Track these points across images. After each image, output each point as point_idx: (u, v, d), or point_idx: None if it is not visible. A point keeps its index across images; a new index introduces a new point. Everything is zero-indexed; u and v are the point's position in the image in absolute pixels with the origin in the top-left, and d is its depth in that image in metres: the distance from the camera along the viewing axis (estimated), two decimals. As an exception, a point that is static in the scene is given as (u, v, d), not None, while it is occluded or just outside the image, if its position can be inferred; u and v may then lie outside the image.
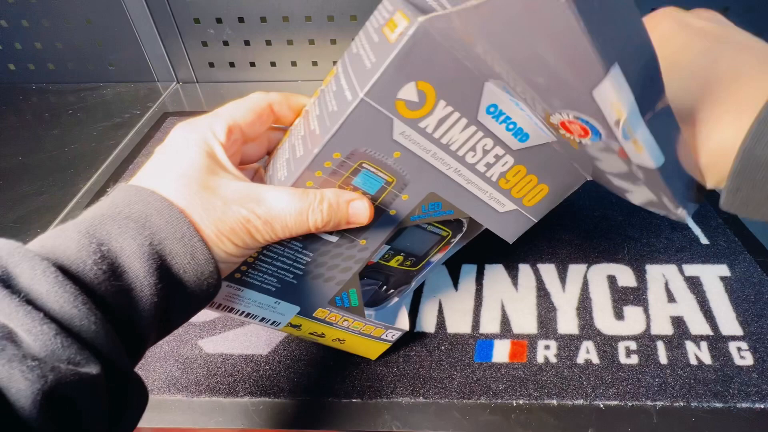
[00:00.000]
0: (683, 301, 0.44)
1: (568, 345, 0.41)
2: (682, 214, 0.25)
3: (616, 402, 0.37)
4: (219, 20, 0.79)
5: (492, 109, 0.26)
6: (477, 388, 0.38)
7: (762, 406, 0.36)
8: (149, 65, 0.85)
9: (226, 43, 0.82)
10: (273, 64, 0.84)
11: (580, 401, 0.37)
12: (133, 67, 0.85)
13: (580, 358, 0.40)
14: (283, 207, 0.24)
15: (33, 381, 0.16)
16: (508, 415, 0.36)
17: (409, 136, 0.26)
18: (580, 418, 0.36)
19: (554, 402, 0.37)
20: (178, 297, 0.22)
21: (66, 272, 0.18)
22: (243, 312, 0.32)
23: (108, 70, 0.86)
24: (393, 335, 0.37)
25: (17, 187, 0.62)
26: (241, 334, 0.43)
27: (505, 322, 0.43)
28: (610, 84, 0.18)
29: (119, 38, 0.81)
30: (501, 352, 0.40)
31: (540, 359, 0.40)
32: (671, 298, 0.44)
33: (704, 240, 0.50)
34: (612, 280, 0.46)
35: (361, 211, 0.26)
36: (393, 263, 0.35)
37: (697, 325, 0.42)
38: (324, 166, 0.27)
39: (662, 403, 0.37)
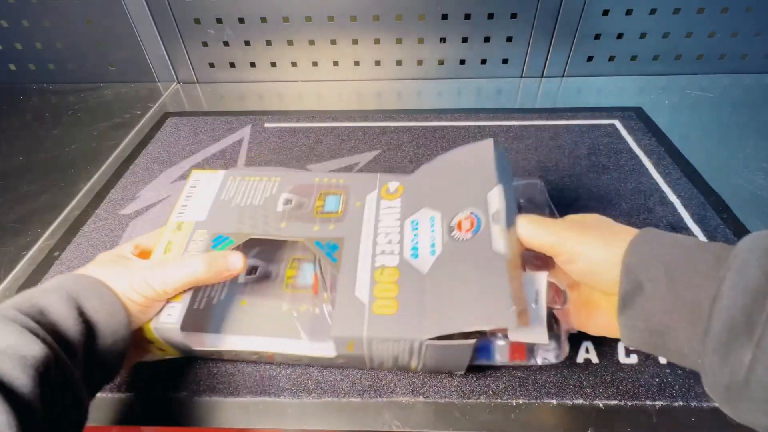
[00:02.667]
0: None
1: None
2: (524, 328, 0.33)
3: (615, 401, 0.37)
4: (219, 20, 0.79)
5: (413, 224, 0.39)
6: (477, 388, 0.38)
7: (761, 406, 0.36)
8: (149, 65, 0.85)
9: (226, 44, 0.82)
10: (273, 64, 0.84)
11: (580, 401, 0.37)
12: (133, 68, 0.85)
13: (580, 358, 0.40)
14: (164, 268, 0.35)
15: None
16: (508, 415, 0.36)
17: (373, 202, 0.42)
18: (579, 417, 0.36)
19: (554, 401, 0.37)
20: (97, 331, 0.31)
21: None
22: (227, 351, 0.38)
23: (108, 70, 0.86)
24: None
25: (18, 187, 0.62)
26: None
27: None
28: (497, 191, 0.36)
29: (119, 38, 0.81)
30: (501, 352, 0.40)
31: (539, 359, 0.40)
32: (671, 297, 0.44)
33: (704, 240, 0.50)
34: (612, 280, 0.46)
35: (236, 260, 0.37)
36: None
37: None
38: None
39: (662, 402, 0.37)
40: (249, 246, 0.41)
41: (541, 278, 0.34)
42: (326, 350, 0.36)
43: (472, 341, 0.33)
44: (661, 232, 0.31)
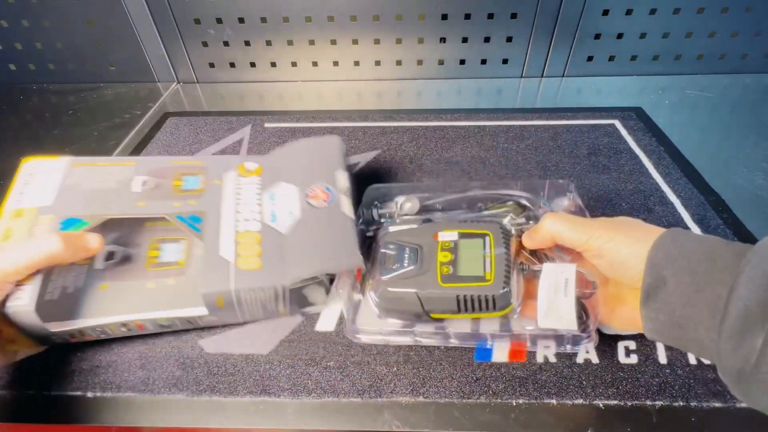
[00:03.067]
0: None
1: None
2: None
3: (615, 401, 0.37)
4: (219, 20, 0.79)
5: (271, 195, 0.46)
6: (477, 388, 0.38)
7: (761, 406, 0.36)
8: (150, 65, 0.85)
9: (226, 44, 0.82)
10: (273, 64, 0.84)
11: (580, 401, 0.37)
12: (133, 68, 0.85)
13: (580, 358, 0.40)
14: (14, 247, 0.35)
15: None
16: (508, 415, 0.36)
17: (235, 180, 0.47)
18: (579, 417, 0.36)
19: (554, 401, 0.37)
20: None
21: None
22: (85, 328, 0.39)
23: (108, 70, 0.86)
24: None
25: (18, 187, 0.62)
26: (242, 334, 0.43)
27: (504, 321, 0.43)
28: (342, 173, 0.48)
29: (119, 38, 0.81)
30: (500, 352, 0.40)
31: (539, 359, 0.40)
32: (671, 297, 0.44)
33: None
34: (612, 280, 0.46)
35: (94, 238, 0.38)
36: (440, 256, 0.41)
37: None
38: None
39: (662, 402, 0.37)
40: (104, 232, 0.41)
41: (570, 269, 0.37)
42: (197, 311, 0.39)
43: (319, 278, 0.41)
44: (686, 231, 0.33)
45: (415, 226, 0.44)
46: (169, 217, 0.41)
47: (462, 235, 0.41)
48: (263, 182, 0.47)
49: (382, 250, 0.42)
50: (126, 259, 0.44)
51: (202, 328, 0.43)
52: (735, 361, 0.27)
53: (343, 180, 0.47)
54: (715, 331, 0.28)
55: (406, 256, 0.41)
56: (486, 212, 0.46)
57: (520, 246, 0.42)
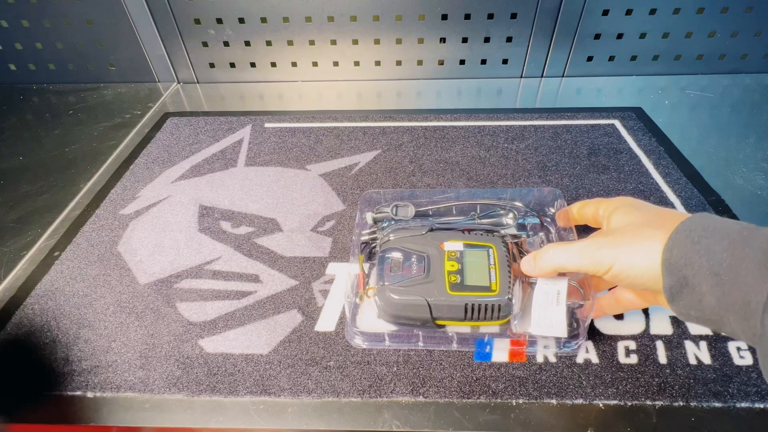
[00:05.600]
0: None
1: (568, 344, 0.41)
2: None
3: (615, 401, 0.37)
4: (219, 21, 0.79)
5: None
6: (477, 388, 0.38)
7: (761, 406, 0.36)
8: (150, 65, 0.85)
9: (226, 44, 0.82)
10: (273, 64, 0.84)
11: (580, 401, 0.37)
12: (133, 68, 0.85)
13: (580, 358, 0.40)
14: None
15: None
16: (508, 415, 0.36)
17: None
18: (579, 417, 0.36)
19: (554, 401, 0.37)
20: None
21: None
22: None
23: (108, 70, 0.86)
24: None
25: (18, 186, 0.62)
26: (242, 334, 0.43)
27: (504, 328, 0.43)
28: None
29: (120, 38, 0.81)
30: (500, 352, 0.40)
31: (539, 359, 0.40)
32: (671, 297, 0.44)
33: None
34: (612, 279, 0.46)
35: None
36: (447, 265, 0.41)
37: (697, 324, 0.42)
38: None
39: (662, 402, 0.37)
40: None
41: (563, 283, 0.38)
42: None
43: None
44: (702, 220, 0.30)
45: (417, 233, 0.44)
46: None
47: (467, 246, 0.42)
48: None
49: (387, 256, 0.42)
50: None
51: (202, 328, 0.43)
52: None
53: None
54: (750, 334, 0.26)
55: (413, 263, 0.41)
56: (481, 220, 0.48)
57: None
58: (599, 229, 0.39)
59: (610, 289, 0.41)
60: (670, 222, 0.31)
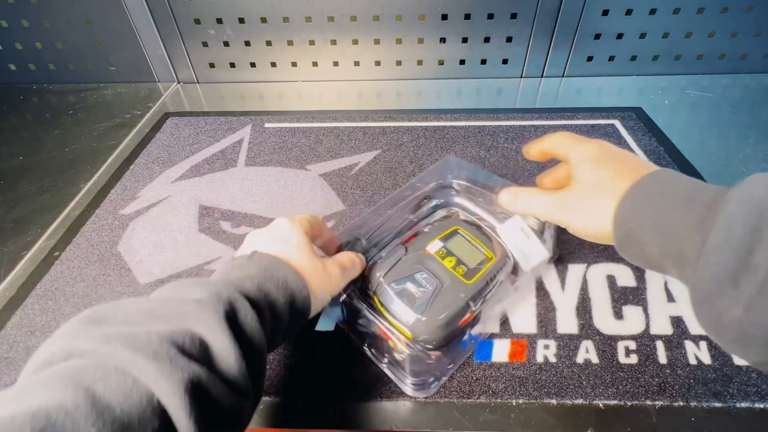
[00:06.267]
0: (682, 301, 0.44)
1: (568, 345, 0.41)
2: None
3: (615, 401, 0.37)
4: (219, 21, 0.79)
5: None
6: (477, 388, 0.38)
7: (761, 406, 0.36)
8: (150, 65, 0.85)
9: (226, 44, 0.82)
10: (273, 64, 0.84)
11: (580, 401, 0.37)
12: (133, 68, 0.85)
13: (580, 358, 0.40)
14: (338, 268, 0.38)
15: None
16: (508, 415, 0.36)
17: None
18: (579, 417, 0.36)
19: (554, 401, 0.37)
20: (294, 317, 0.34)
21: (252, 306, 0.30)
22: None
23: (108, 70, 0.86)
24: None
25: (18, 187, 0.62)
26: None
27: (504, 321, 0.43)
28: None
29: (120, 38, 0.81)
30: (501, 352, 0.40)
31: (539, 359, 0.40)
32: (670, 297, 0.45)
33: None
34: (611, 279, 0.46)
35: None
36: (446, 263, 0.41)
37: (697, 324, 0.42)
38: None
39: (662, 402, 0.37)
40: None
41: (517, 221, 0.43)
42: None
43: None
44: (662, 175, 0.32)
45: (397, 257, 0.42)
46: None
47: (443, 239, 0.43)
48: None
49: (397, 291, 0.39)
50: None
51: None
52: (708, 321, 0.27)
53: None
54: (686, 281, 0.28)
55: (422, 282, 0.39)
56: (426, 220, 0.49)
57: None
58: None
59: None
60: (634, 174, 0.33)
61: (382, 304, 0.39)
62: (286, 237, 0.37)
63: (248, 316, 0.29)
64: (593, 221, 0.34)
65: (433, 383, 0.37)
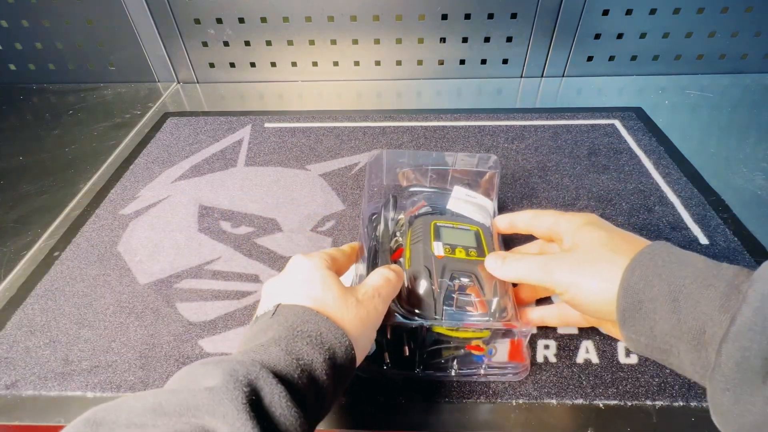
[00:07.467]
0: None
1: (568, 345, 0.41)
2: None
3: (615, 401, 0.37)
4: (219, 21, 0.79)
5: None
6: (477, 388, 0.38)
7: (761, 406, 0.36)
8: (150, 65, 0.85)
9: (226, 44, 0.82)
10: (273, 64, 0.84)
11: (580, 401, 0.37)
12: (133, 68, 0.85)
13: (580, 358, 0.40)
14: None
15: None
16: (508, 415, 0.36)
17: None
18: (579, 417, 0.36)
19: (554, 401, 0.37)
20: (339, 374, 0.29)
21: (281, 380, 0.25)
22: None
23: (108, 70, 0.86)
24: None
25: (18, 187, 0.62)
26: (241, 334, 0.43)
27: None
28: None
29: (120, 38, 0.81)
30: (501, 352, 0.40)
31: (539, 359, 0.40)
32: (671, 297, 0.44)
33: (704, 240, 0.50)
34: (612, 280, 0.46)
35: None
36: (458, 255, 0.39)
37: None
38: None
39: (662, 402, 0.37)
40: None
41: (458, 192, 0.47)
42: None
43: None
44: (669, 249, 0.29)
45: (423, 281, 0.38)
46: None
47: (438, 239, 0.41)
48: None
49: (456, 310, 0.37)
50: None
51: (202, 328, 0.43)
52: (732, 417, 0.24)
53: None
54: (701, 365, 0.26)
55: (461, 284, 0.37)
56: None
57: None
58: (541, 239, 0.40)
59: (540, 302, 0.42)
60: (635, 245, 0.30)
61: (450, 329, 0.36)
62: (308, 279, 0.32)
63: (276, 396, 0.24)
64: (599, 286, 0.30)
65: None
